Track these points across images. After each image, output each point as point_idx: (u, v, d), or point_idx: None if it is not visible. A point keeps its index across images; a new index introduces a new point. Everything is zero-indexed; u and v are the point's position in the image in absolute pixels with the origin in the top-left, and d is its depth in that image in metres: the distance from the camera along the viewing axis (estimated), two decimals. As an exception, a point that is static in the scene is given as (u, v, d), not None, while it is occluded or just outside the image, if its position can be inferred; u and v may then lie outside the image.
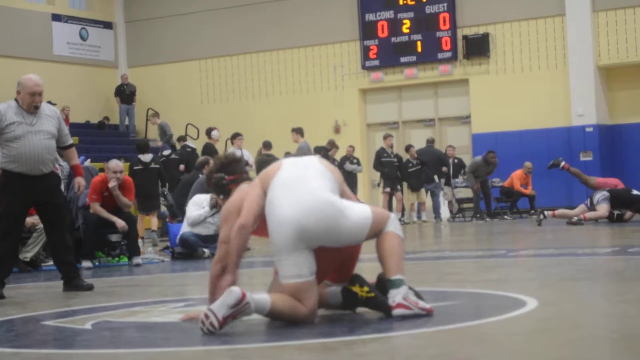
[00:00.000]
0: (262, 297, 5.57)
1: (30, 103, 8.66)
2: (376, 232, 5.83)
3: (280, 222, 5.71)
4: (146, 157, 18.36)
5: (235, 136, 21.06)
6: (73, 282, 8.87)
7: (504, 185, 23.58)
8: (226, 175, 6.30)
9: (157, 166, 18.45)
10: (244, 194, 6.02)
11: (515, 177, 23.29)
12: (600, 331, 5.17)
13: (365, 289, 5.79)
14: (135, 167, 18.12)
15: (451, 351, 4.71)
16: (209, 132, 21.87)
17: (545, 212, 18.08)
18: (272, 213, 5.77)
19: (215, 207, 13.39)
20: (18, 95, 8.73)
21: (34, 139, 8.63)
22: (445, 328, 5.35)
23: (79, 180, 9.10)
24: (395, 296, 5.68)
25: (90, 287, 8.84)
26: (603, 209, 17.59)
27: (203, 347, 5.17)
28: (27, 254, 12.06)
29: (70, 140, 9.09)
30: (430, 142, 24.61)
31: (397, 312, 5.65)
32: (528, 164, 23.29)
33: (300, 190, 5.76)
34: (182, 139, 23.32)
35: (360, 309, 5.94)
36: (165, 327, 5.96)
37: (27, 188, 8.64)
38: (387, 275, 5.79)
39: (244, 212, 5.84)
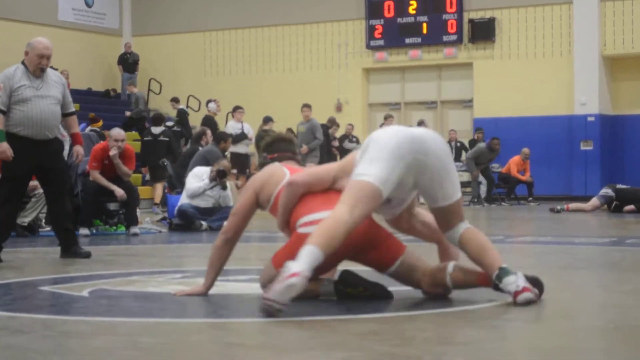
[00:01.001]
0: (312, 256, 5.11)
1: (37, 65, 8.61)
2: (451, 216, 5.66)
3: (398, 132, 5.54)
4: (157, 130, 18.88)
5: (235, 109, 21.06)
6: (71, 249, 8.87)
7: (502, 171, 23.57)
8: (267, 154, 6.21)
9: (167, 139, 19.06)
10: (272, 170, 5.94)
11: (513, 163, 23.28)
12: (598, 321, 5.18)
13: (360, 289, 5.64)
14: (145, 138, 18.90)
15: (449, 334, 4.71)
16: (207, 103, 21.94)
17: (558, 207, 18.01)
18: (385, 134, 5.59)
19: (214, 180, 13.38)
20: (26, 56, 8.68)
21: (41, 103, 8.60)
22: (443, 311, 5.35)
23: (78, 149, 9.08)
24: (519, 280, 5.33)
25: (87, 255, 8.84)
26: (592, 204, 17.67)
27: (200, 319, 5.17)
28: (25, 219, 12.05)
29: (73, 108, 9.06)
30: (420, 124, 24.45)
31: (524, 296, 5.31)
32: (525, 150, 23.26)
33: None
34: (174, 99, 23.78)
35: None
36: (162, 298, 5.96)
37: (30, 152, 8.62)
38: (496, 264, 5.43)
39: (300, 174, 5.75)
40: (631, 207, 17.38)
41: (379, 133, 5.65)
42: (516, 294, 5.31)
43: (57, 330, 4.87)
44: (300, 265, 4.99)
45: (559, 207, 17.88)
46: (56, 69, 25.51)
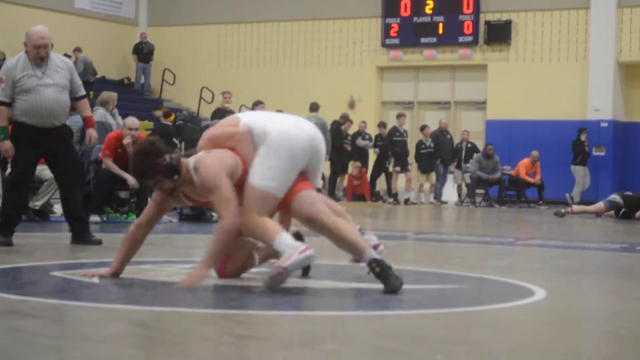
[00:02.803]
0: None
1: (35, 55, 8.59)
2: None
3: (299, 129, 6.18)
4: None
5: (257, 104, 21.01)
6: (82, 236, 8.88)
7: (511, 174, 23.55)
8: (168, 154, 6.08)
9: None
10: (216, 152, 6.13)
11: (522, 166, 23.24)
12: (608, 326, 5.16)
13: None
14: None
15: (459, 334, 4.70)
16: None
17: (562, 210, 17.96)
18: (284, 127, 6.17)
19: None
20: (25, 47, 8.67)
21: (45, 92, 8.57)
22: (453, 311, 5.35)
23: (91, 132, 9.08)
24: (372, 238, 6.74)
25: (98, 242, 8.85)
26: (597, 206, 17.64)
27: (211, 310, 5.18)
28: (37, 202, 12.08)
29: (83, 92, 9.01)
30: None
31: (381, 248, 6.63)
32: (535, 153, 23.23)
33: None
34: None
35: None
36: (173, 288, 5.96)
37: (38, 140, 8.62)
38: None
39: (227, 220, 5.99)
40: None
41: (286, 133, 6.14)
42: (375, 247, 6.46)
43: (67, 316, 4.88)
44: (299, 244, 5.88)
45: (563, 211, 17.84)
46: (69, 56, 25.68)
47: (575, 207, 18.33)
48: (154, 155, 6.06)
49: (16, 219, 8.79)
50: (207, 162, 6.02)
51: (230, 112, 20.76)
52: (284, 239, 5.85)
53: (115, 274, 6.21)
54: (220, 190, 5.94)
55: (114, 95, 14.41)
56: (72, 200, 8.94)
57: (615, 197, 17.82)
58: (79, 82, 8.95)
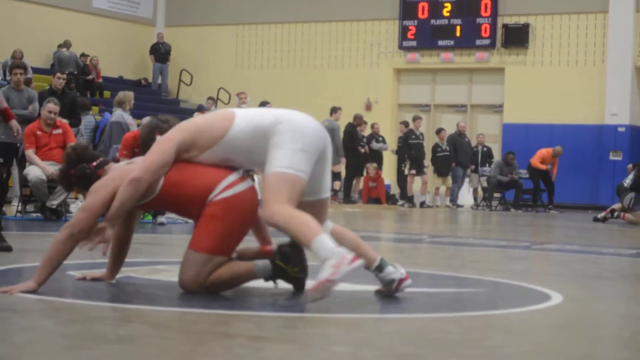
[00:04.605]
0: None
1: None
2: None
3: (308, 119, 5.72)
4: None
5: (263, 104, 21.03)
6: None
7: (530, 162, 23.17)
8: (87, 163, 5.90)
9: None
10: (122, 172, 5.74)
11: (539, 154, 22.95)
12: (624, 332, 5.14)
13: (295, 269, 5.67)
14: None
15: (475, 338, 4.69)
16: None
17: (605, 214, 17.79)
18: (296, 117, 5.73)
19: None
20: None
21: None
22: (468, 314, 5.33)
23: (13, 124, 8.96)
24: (400, 269, 5.78)
25: (8, 249, 7.90)
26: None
27: (227, 311, 5.17)
28: (54, 202, 12.11)
29: None
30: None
31: (407, 283, 5.77)
32: (558, 148, 22.98)
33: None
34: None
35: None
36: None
37: None
38: (373, 255, 5.83)
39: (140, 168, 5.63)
40: None
41: (297, 119, 5.69)
42: (401, 280, 5.70)
43: (84, 315, 4.89)
44: (347, 250, 5.22)
45: (604, 215, 17.55)
46: (87, 55, 25.76)
47: (628, 215, 18.00)
48: (71, 164, 5.90)
49: None
50: (100, 183, 5.73)
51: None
52: (326, 243, 5.22)
53: (109, 278, 6.10)
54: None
55: (130, 94, 14.41)
56: None
57: None
58: None
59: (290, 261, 5.65)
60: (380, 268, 5.71)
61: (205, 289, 5.57)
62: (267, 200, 5.41)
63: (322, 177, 5.76)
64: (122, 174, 5.68)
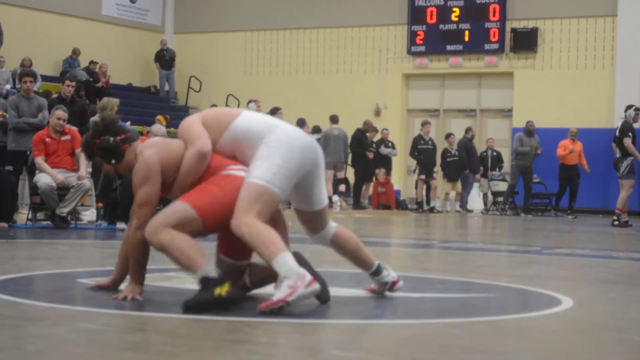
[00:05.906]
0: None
1: None
2: None
3: (301, 134, 5.72)
4: None
5: (275, 111, 21.05)
6: None
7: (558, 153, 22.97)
8: (112, 136, 5.84)
9: None
10: (163, 153, 5.71)
11: (561, 146, 22.78)
12: (636, 337, 5.13)
13: (225, 288, 5.46)
14: None
15: (485, 344, 4.69)
16: (248, 103, 22.04)
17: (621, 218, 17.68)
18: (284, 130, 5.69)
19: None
20: None
21: None
22: (479, 319, 5.33)
23: None
24: (391, 272, 6.09)
25: None
26: None
27: (237, 317, 5.18)
28: (64, 209, 12.14)
29: None
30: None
31: (400, 285, 6.07)
32: (573, 129, 22.84)
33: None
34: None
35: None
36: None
37: None
38: (372, 259, 6.02)
39: (202, 139, 5.65)
40: None
41: (288, 135, 5.67)
42: (394, 283, 5.99)
43: (95, 323, 4.89)
44: (304, 272, 5.23)
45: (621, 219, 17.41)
46: (96, 63, 25.80)
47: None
48: (97, 133, 5.86)
49: None
50: (148, 152, 5.71)
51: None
52: (287, 261, 5.24)
53: (115, 284, 6.05)
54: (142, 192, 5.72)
55: (114, 101, 14.22)
56: None
57: None
58: None
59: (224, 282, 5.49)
60: (377, 272, 6.00)
61: (158, 244, 5.59)
62: (238, 208, 5.45)
63: (312, 191, 5.77)
64: (162, 156, 5.68)
